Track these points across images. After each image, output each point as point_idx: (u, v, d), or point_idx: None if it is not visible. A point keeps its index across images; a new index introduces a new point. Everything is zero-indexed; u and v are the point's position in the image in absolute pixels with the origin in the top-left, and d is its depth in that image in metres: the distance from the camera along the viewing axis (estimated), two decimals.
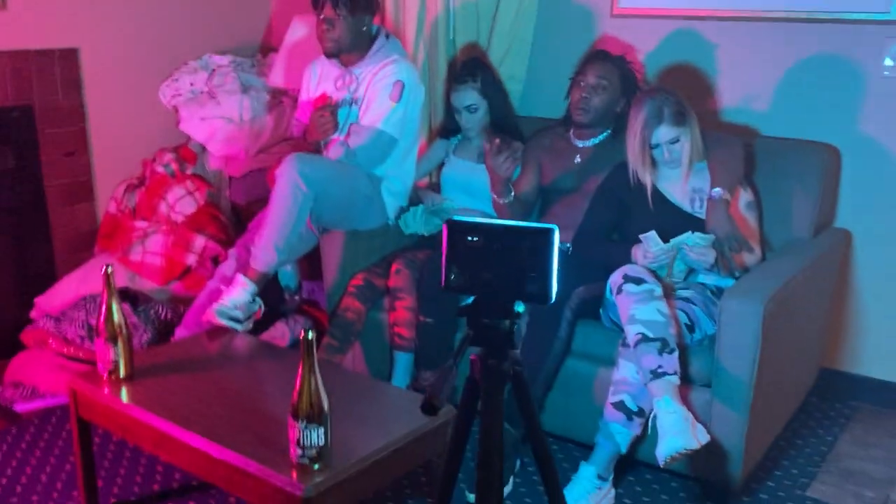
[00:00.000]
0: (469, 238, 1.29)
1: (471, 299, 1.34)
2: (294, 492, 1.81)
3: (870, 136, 2.90)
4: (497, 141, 2.82)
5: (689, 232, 2.55)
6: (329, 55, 3.00)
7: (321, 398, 1.81)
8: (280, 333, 3.31)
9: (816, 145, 2.87)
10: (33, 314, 3.40)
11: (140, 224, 3.50)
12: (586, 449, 2.53)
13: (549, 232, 1.27)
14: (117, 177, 3.70)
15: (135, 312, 3.19)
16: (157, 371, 2.35)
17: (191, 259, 3.44)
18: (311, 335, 1.79)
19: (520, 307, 1.32)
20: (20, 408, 2.99)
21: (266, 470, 1.87)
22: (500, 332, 1.32)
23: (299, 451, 1.84)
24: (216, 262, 3.49)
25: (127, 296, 3.32)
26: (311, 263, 3.59)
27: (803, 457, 2.73)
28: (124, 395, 2.21)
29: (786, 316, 2.45)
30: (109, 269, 2.23)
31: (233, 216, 3.73)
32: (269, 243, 2.78)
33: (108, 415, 2.24)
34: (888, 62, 2.81)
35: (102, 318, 2.23)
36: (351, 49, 2.97)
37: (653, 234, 2.56)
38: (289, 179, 2.75)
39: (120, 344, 2.25)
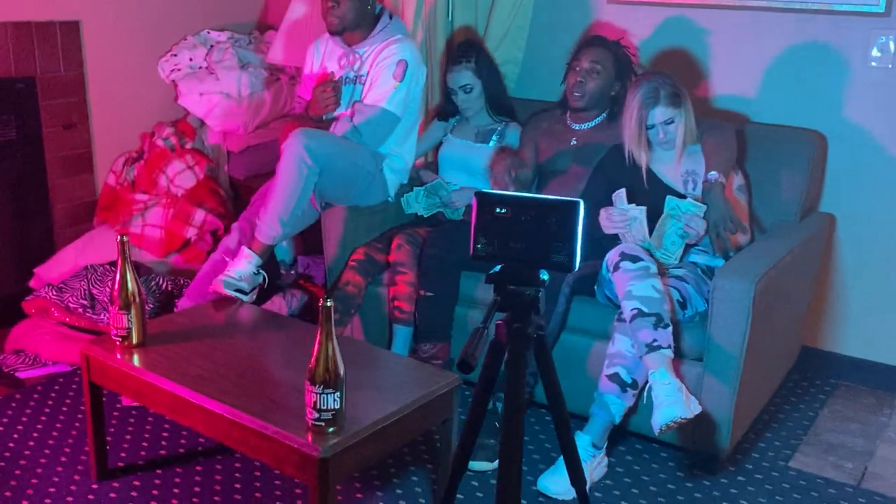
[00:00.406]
0: (498, 209, 1.37)
1: (497, 268, 1.42)
2: (311, 453, 1.89)
3: (855, 124, 3.01)
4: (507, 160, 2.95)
5: (686, 198, 2.66)
6: (333, 32, 3.05)
7: (338, 364, 1.89)
8: (277, 307, 3.38)
9: (805, 132, 2.98)
10: (33, 283, 3.44)
11: (140, 197, 3.55)
12: (580, 420, 2.62)
13: (576, 205, 1.35)
14: (116, 149, 3.74)
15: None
16: (168, 338, 2.42)
17: (190, 232, 3.49)
18: (329, 303, 1.86)
19: (544, 275, 1.40)
20: (23, 375, 3.04)
21: (282, 432, 1.95)
22: (526, 298, 1.40)
23: (315, 415, 1.92)
24: (215, 235, 3.55)
25: None
26: (305, 239, 3.67)
27: (786, 430, 2.85)
28: (139, 360, 2.28)
29: (774, 295, 2.56)
30: (125, 238, 2.28)
31: (231, 191, 3.79)
32: (274, 216, 2.84)
33: (122, 380, 2.31)
34: (875, 53, 2.92)
35: (117, 285, 2.29)
36: (355, 27, 3.02)
37: (622, 192, 2.67)
38: (295, 153, 2.80)
39: (133, 311, 2.32)
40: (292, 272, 3.76)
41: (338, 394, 1.91)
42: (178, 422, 2.40)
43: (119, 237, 2.28)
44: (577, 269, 1.40)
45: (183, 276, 3.40)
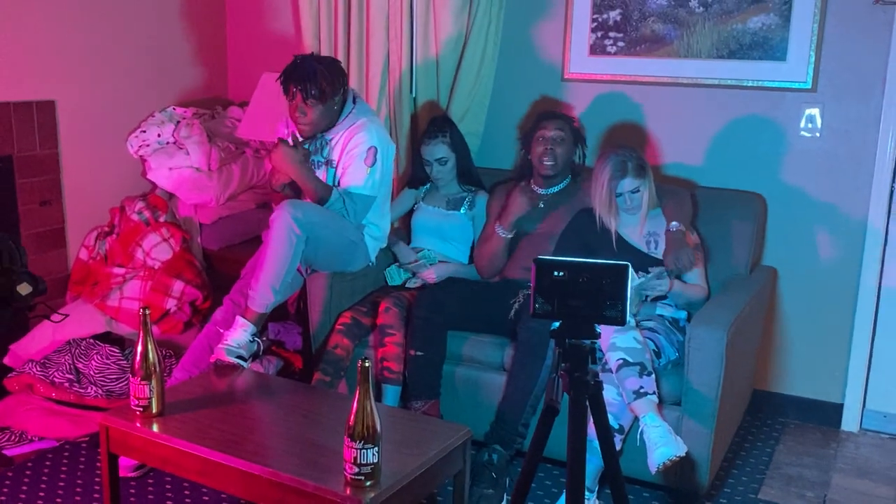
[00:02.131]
0: (555, 273, 1.58)
1: (555, 324, 1.62)
2: None
3: (790, 186, 3.37)
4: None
5: (647, 272, 2.93)
6: (306, 137, 3.18)
7: (375, 421, 2.03)
8: None
9: (748, 194, 3.32)
10: (8, 360, 3.43)
11: (117, 270, 3.60)
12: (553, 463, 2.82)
13: (625, 268, 1.57)
14: (87, 224, 3.80)
15: (123, 356, 3.29)
16: (183, 407, 2.50)
17: (170, 304, 3.56)
18: (367, 363, 2.02)
19: (597, 329, 1.61)
20: (10, 452, 3.03)
21: (323, 488, 2.07)
22: (584, 349, 1.60)
23: (355, 469, 2.05)
24: (194, 306, 3.63)
25: (111, 339, 3.42)
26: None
27: (749, 466, 3.11)
28: (165, 428, 2.36)
29: (738, 342, 2.83)
30: (146, 311, 2.38)
31: (204, 262, 3.87)
32: (266, 285, 2.96)
33: (147, 448, 2.38)
34: (805, 124, 3.30)
35: (139, 357, 2.37)
36: (329, 124, 3.17)
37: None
38: (283, 224, 2.94)
39: (154, 381, 2.40)
40: (264, 339, 3.85)
41: (376, 448, 2.05)
42: (206, 485, 2.46)
43: (141, 310, 2.38)
44: (627, 323, 1.61)
45: (162, 347, 3.45)
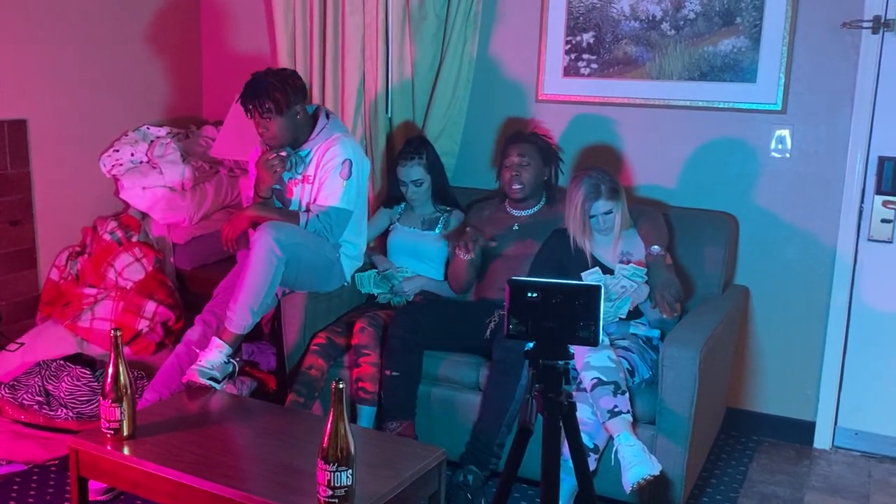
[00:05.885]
0: (529, 294, 1.58)
1: (530, 345, 1.63)
2: None
3: (760, 206, 3.40)
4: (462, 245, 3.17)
5: (630, 265, 2.95)
6: (274, 149, 3.17)
7: (349, 443, 2.02)
8: None
9: (720, 214, 3.36)
10: None
11: (89, 291, 3.57)
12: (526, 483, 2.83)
13: (598, 289, 1.58)
14: (58, 244, 3.76)
15: (94, 377, 3.26)
16: (155, 429, 2.47)
17: (142, 324, 3.52)
18: (341, 385, 2.01)
19: (571, 350, 1.61)
20: None
21: None
22: (557, 370, 1.61)
23: (329, 492, 2.03)
24: (166, 326, 3.60)
25: (82, 360, 3.38)
26: None
27: (723, 484, 3.13)
28: (136, 451, 2.33)
29: (712, 361, 2.85)
30: (118, 333, 2.36)
31: (177, 282, 3.84)
32: (245, 306, 2.94)
33: (117, 471, 2.35)
34: (775, 144, 3.34)
35: (110, 379, 2.35)
36: (294, 137, 3.17)
37: (596, 270, 2.94)
38: (265, 246, 2.92)
39: (125, 404, 2.38)
40: (238, 359, 3.82)
41: (350, 471, 2.04)
42: None
43: (112, 332, 2.35)
44: (600, 343, 1.62)
45: (134, 368, 3.41)
